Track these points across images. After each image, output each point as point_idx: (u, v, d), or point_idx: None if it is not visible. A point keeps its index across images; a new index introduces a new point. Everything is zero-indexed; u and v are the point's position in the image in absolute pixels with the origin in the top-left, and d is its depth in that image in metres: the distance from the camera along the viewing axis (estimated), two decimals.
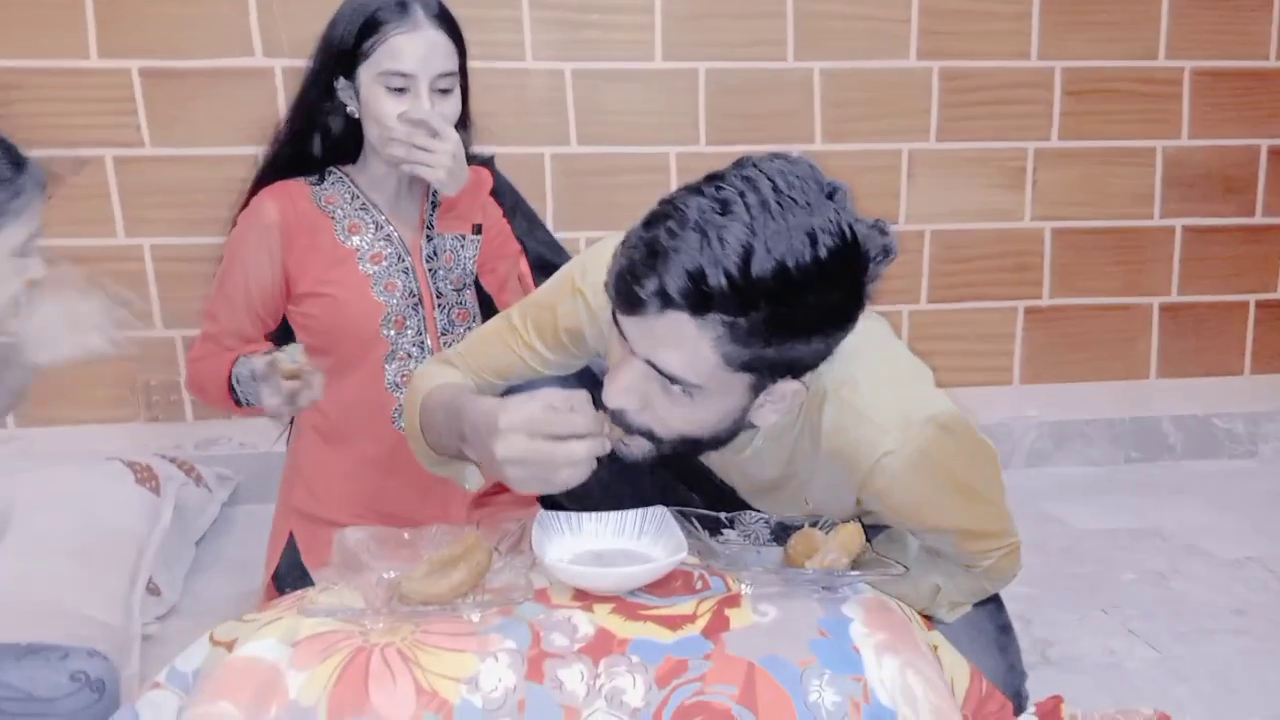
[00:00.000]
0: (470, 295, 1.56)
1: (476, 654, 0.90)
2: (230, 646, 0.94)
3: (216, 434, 2.23)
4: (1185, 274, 2.56)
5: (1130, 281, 2.54)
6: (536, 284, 1.48)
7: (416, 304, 1.51)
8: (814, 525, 1.10)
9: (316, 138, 1.49)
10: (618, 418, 0.99)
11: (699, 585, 1.04)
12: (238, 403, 1.44)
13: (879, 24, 2.33)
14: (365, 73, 1.40)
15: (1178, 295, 2.57)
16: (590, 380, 1.17)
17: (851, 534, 1.06)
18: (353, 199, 1.51)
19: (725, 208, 0.88)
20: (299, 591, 1.06)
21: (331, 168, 1.52)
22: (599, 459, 0.99)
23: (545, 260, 1.56)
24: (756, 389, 0.98)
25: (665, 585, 1.03)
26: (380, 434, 1.51)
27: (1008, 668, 1.23)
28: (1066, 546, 1.95)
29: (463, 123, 1.51)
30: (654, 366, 0.94)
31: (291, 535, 1.52)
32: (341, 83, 1.44)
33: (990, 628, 1.25)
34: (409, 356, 1.51)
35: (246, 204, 1.49)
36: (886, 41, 2.34)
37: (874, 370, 1.06)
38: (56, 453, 2.06)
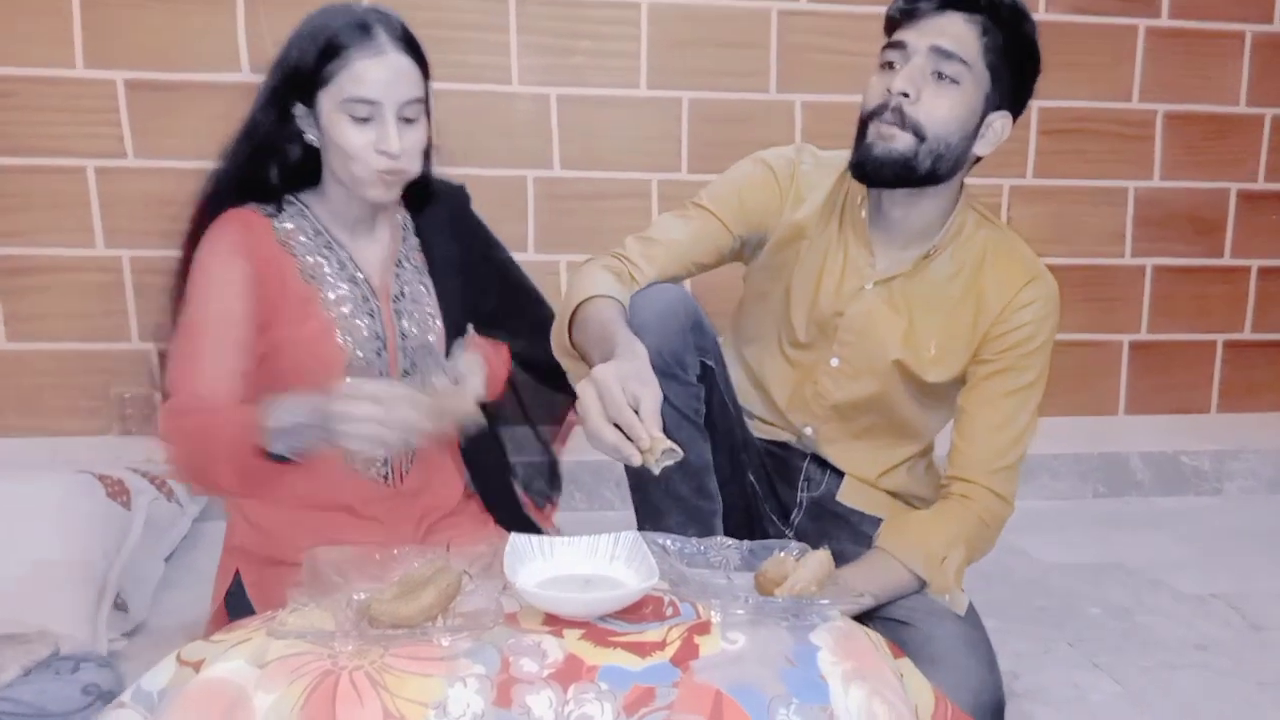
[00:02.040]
0: (436, 334, 1.45)
1: (445, 678, 0.90)
2: (197, 667, 0.94)
3: None
4: (1155, 312, 2.61)
5: (1101, 318, 2.59)
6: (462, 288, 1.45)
7: (380, 348, 1.39)
8: (785, 552, 1.12)
9: (273, 168, 1.36)
10: (894, 113, 1.28)
11: (669, 611, 1.04)
12: (271, 456, 1.17)
13: (861, 59, 2.35)
14: (326, 99, 1.28)
15: (1147, 333, 2.61)
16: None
17: (821, 562, 1.08)
18: (315, 235, 1.38)
19: None
20: (268, 613, 1.05)
21: (289, 196, 1.39)
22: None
23: (510, 276, 1.55)
24: (989, 103, 1.29)
25: (636, 611, 1.03)
26: (333, 476, 1.39)
27: (995, 684, 1.29)
28: (1033, 579, 1.97)
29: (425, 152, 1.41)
30: (936, 49, 1.25)
31: (238, 572, 1.40)
32: (300, 109, 1.32)
33: (984, 647, 1.33)
34: (417, 376, 1.38)
35: (195, 226, 1.37)
36: (868, 76, 2.37)
37: (1024, 243, 1.42)
38: (27, 463, 2.05)
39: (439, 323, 1.45)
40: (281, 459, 1.17)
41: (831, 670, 0.98)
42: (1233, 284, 2.64)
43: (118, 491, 1.75)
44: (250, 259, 1.31)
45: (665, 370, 1.25)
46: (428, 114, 1.35)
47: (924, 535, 1.33)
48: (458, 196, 1.53)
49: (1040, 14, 2.40)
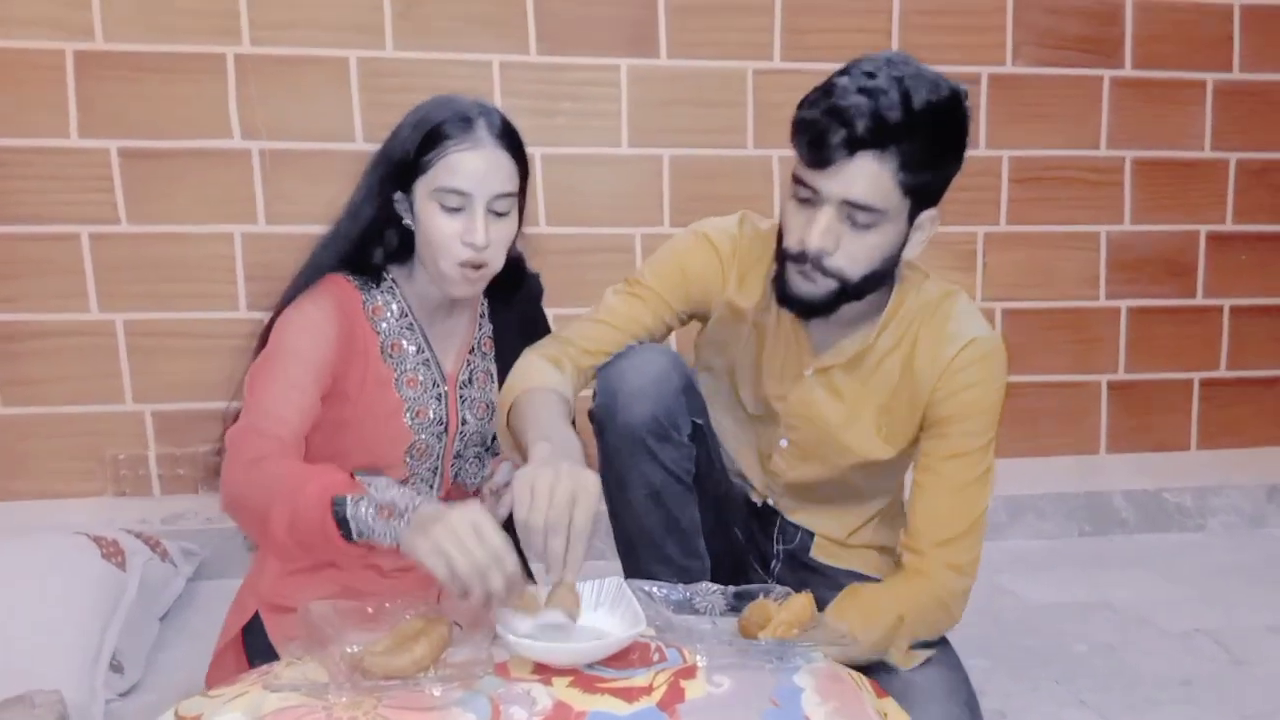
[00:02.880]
0: (490, 423, 1.47)
1: None
2: None
3: (183, 509, 2.24)
4: (1131, 353, 2.66)
5: (1079, 360, 2.63)
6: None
7: (442, 432, 1.42)
8: (767, 596, 1.15)
9: (377, 249, 1.38)
10: (814, 260, 1.23)
11: (655, 657, 1.07)
12: (346, 536, 1.08)
13: None
14: (421, 187, 1.32)
15: (1125, 373, 2.66)
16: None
17: (803, 605, 1.11)
18: (400, 315, 1.40)
19: (871, 75, 1.18)
20: (264, 666, 1.08)
21: (385, 271, 1.41)
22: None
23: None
24: (912, 216, 1.25)
25: (622, 657, 1.06)
26: (372, 555, 1.36)
27: None
28: (1021, 618, 1.99)
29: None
30: (848, 202, 1.19)
31: (257, 613, 1.40)
32: (399, 196, 1.35)
33: (964, 692, 1.33)
34: (419, 478, 1.43)
35: (292, 290, 1.37)
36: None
37: (965, 299, 1.38)
38: (22, 526, 2.06)
39: (495, 413, 1.46)
40: (346, 537, 1.08)
41: (815, 710, 1.00)
42: (1206, 323, 2.69)
43: (113, 552, 1.77)
44: (342, 323, 1.33)
45: (662, 434, 1.31)
46: (521, 209, 1.39)
47: (868, 615, 1.28)
48: (535, 287, 1.56)
49: (1008, 67, 2.49)
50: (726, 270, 1.41)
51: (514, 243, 1.42)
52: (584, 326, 1.41)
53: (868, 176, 1.18)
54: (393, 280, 1.41)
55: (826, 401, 1.39)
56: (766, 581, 1.46)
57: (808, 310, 1.30)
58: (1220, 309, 2.69)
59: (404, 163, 1.32)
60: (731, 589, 1.20)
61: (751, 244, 1.41)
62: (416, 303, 1.41)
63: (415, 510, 1.06)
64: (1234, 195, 2.65)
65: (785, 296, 1.29)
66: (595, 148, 2.37)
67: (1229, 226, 2.66)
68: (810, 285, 1.26)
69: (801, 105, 1.23)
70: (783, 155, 2.43)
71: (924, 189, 1.22)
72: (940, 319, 1.34)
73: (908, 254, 1.30)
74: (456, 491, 1.50)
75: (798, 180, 1.24)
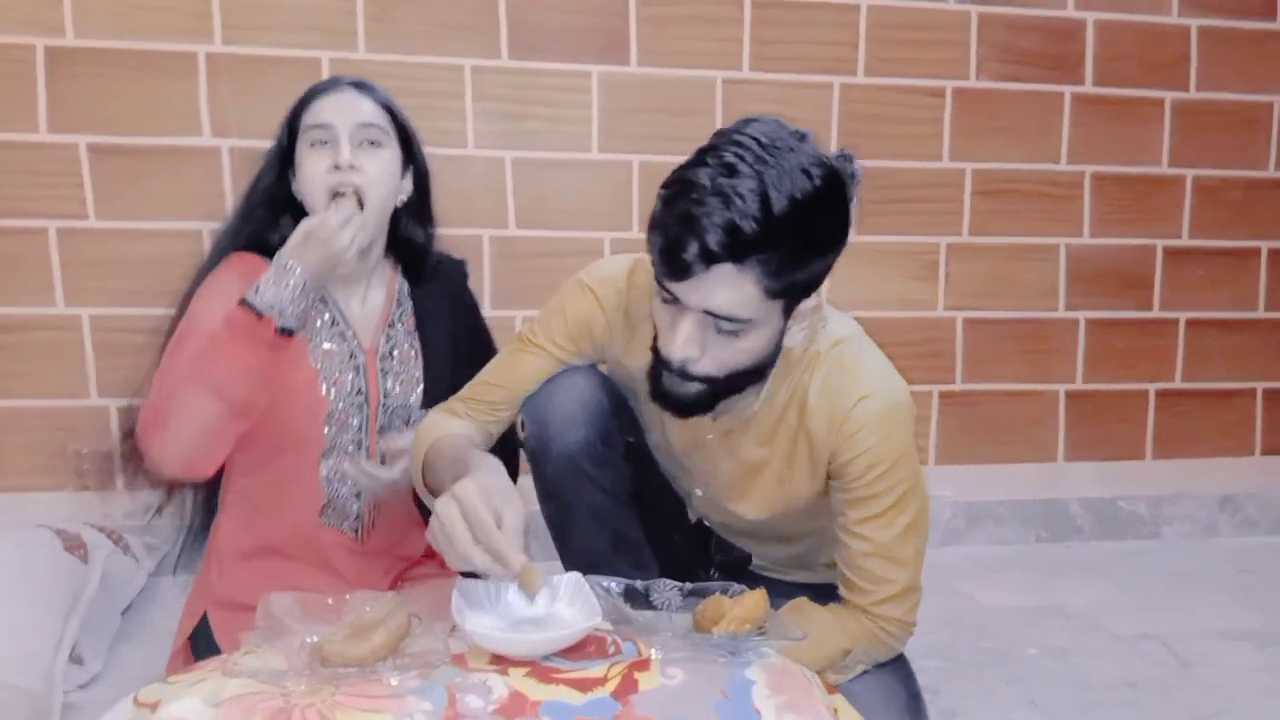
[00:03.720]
0: (417, 405, 1.51)
1: (394, 715, 0.94)
2: (154, 708, 0.97)
3: (146, 504, 2.23)
4: (1089, 363, 2.71)
5: (1037, 369, 2.68)
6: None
7: (362, 403, 1.46)
8: (723, 594, 1.17)
9: (273, 228, 1.45)
10: (680, 369, 1.15)
11: (611, 650, 1.09)
12: (258, 315, 1.28)
13: (802, 124, 2.44)
14: (300, 146, 1.42)
15: (1082, 383, 2.71)
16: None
17: (756, 601, 1.13)
18: None
19: (731, 170, 1.05)
20: (223, 654, 1.09)
21: None
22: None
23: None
24: (787, 312, 1.15)
25: (579, 650, 1.08)
26: (303, 523, 1.47)
27: None
28: (975, 622, 2.03)
29: (421, 215, 1.56)
30: (710, 314, 1.09)
31: (205, 615, 1.45)
32: (291, 173, 1.44)
33: (903, 693, 1.33)
34: (345, 454, 1.46)
35: (199, 275, 1.47)
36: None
37: (859, 343, 1.29)
38: None
39: (421, 388, 1.51)
40: (286, 333, 1.29)
41: (765, 703, 1.03)
42: (1162, 336, 2.75)
43: (75, 546, 1.77)
44: (246, 285, 1.35)
45: (599, 459, 1.31)
46: (422, 179, 1.51)
47: (816, 642, 1.24)
48: (458, 270, 1.61)
49: (971, 81, 2.54)
50: (611, 326, 1.33)
51: (428, 231, 1.55)
52: (479, 389, 1.37)
53: (727, 288, 1.07)
54: None
55: (732, 462, 1.34)
56: None
57: (682, 411, 1.21)
58: (1176, 322, 2.75)
59: (284, 132, 1.43)
60: (688, 585, 1.22)
61: (641, 297, 1.31)
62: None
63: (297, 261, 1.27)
64: (1190, 210, 2.71)
65: (658, 397, 1.20)
66: (566, 153, 2.39)
67: (1185, 241, 2.73)
68: (681, 388, 1.17)
69: (659, 196, 1.11)
70: None
71: (795, 288, 1.11)
72: (830, 370, 1.24)
73: (789, 343, 1.21)
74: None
75: (658, 280, 1.12)
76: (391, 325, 1.51)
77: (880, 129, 2.52)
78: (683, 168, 1.10)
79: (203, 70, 2.20)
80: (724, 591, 1.18)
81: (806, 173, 1.06)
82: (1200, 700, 1.70)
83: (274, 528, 1.48)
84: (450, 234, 2.30)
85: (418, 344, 1.52)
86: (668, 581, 1.23)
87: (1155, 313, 2.74)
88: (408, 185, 1.50)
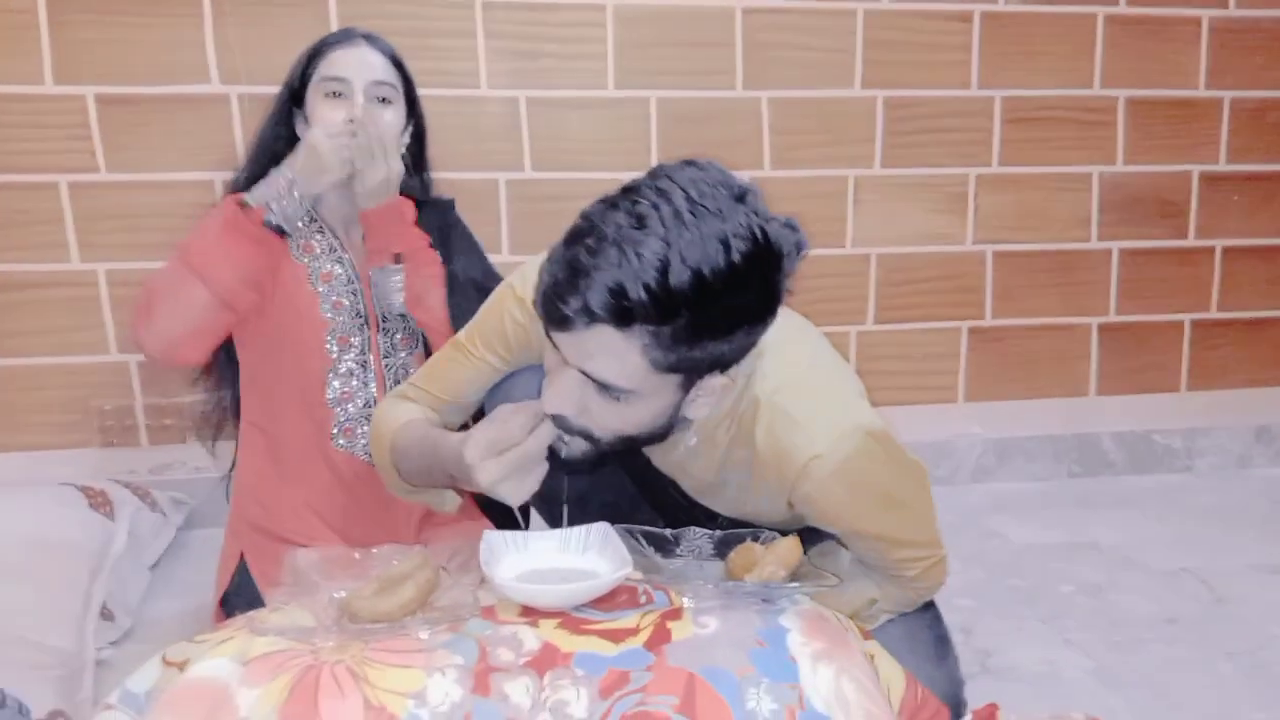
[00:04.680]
0: (414, 321, 1.58)
1: (424, 670, 0.93)
2: (182, 667, 0.96)
3: (171, 458, 2.23)
4: (1122, 295, 2.65)
5: (1069, 302, 2.63)
6: (457, 305, 1.52)
7: (362, 324, 1.54)
8: (754, 540, 1.15)
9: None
10: (558, 421, 1.04)
11: (642, 599, 1.07)
12: (260, 221, 1.40)
13: (825, 54, 2.40)
14: (311, 93, 1.49)
15: (1115, 315, 2.66)
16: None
17: (789, 548, 1.11)
18: (309, 221, 1.55)
19: (641, 222, 0.91)
20: (250, 612, 1.08)
21: None
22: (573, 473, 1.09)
23: (480, 285, 1.60)
24: (686, 386, 1.02)
25: (609, 600, 1.06)
26: (318, 448, 1.54)
27: (945, 676, 1.28)
28: (1007, 560, 2.00)
29: (418, 163, 1.60)
30: (587, 375, 0.98)
31: (242, 557, 1.53)
32: (296, 112, 1.52)
33: (928, 638, 1.30)
34: (350, 374, 1.54)
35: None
36: (832, 71, 2.41)
37: (806, 379, 1.12)
38: (9, 478, 2.05)
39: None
40: (273, 229, 1.41)
41: (800, 651, 1.01)
42: (1198, 265, 2.69)
43: (100, 502, 1.77)
44: None
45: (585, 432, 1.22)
46: (420, 129, 1.57)
47: (846, 587, 1.22)
48: (444, 207, 1.65)
49: (1000, 4, 2.45)
50: (543, 338, 1.11)
51: (424, 178, 1.62)
52: (424, 381, 1.32)
53: (608, 354, 0.95)
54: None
55: (688, 478, 1.25)
56: None
57: (565, 469, 1.10)
58: (1212, 250, 2.69)
59: (296, 81, 1.50)
60: (718, 533, 1.19)
61: None
62: (326, 213, 1.56)
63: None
64: (1228, 135, 2.63)
65: (552, 455, 1.08)
66: (581, 90, 2.33)
67: (1222, 167, 2.65)
68: (562, 442, 1.07)
69: (571, 225, 0.98)
70: (772, 97, 2.40)
71: (692, 365, 0.98)
72: (775, 420, 1.09)
73: (692, 415, 1.07)
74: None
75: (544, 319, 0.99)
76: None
77: (906, 56, 2.44)
78: (601, 201, 0.97)
79: (208, 15, 2.15)
80: (755, 538, 1.16)
81: (725, 243, 0.91)
82: (1238, 635, 1.68)
83: (290, 455, 1.55)
84: (465, 178, 2.28)
85: (382, 275, 1.57)
86: (697, 529, 1.20)
87: (1191, 241, 2.67)
88: (406, 138, 1.57)
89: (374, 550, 1.10)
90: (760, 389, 1.10)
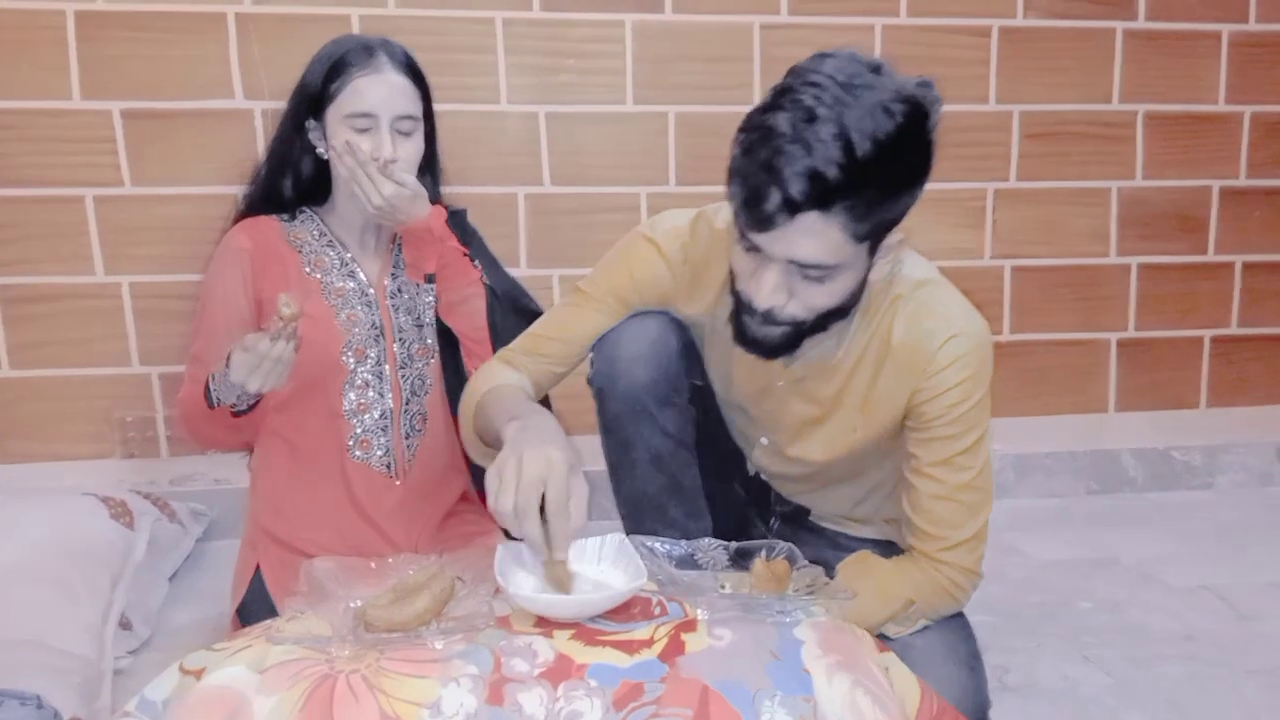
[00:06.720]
0: (430, 332, 1.59)
1: (439, 679, 0.93)
2: (199, 675, 0.96)
3: (191, 470, 2.25)
4: (1141, 310, 2.64)
5: (1088, 318, 2.61)
6: (496, 319, 1.54)
7: (378, 336, 1.54)
8: (770, 552, 1.15)
9: (288, 179, 1.54)
10: (767, 315, 1.13)
11: (657, 611, 1.07)
12: (210, 404, 1.40)
13: None
14: (332, 114, 1.46)
15: (1134, 331, 2.64)
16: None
17: (778, 575, 1.11)
18: (320, 236, 1.56)
19: (810, 114, 1.00)
20: (267, 621, 1.08)
21: (303, 208, 1.58)
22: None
23: (510, 295, 1.61)
24: (872, 250, 1.12)
25: (624, 611, 1.06)
26: (336, 459, 1.55)
27: (975, 688, 1.28)
28: (1027, 576, 1.99)
29: (430, 169, 1.59)
30: (796, 263, 1.07)
31: (258, 567, 1.52)
32: (311, 124, 1.50)
33: (964, 650, 1.32)
34: (366, 385, 1.54)
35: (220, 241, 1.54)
36: None
37: (940, 281, 1.27)
38: (31, 488, 2.08)
39: (431, 313, 1.58)
40: (240, 412, 1.42)
41: (815, 663, 1.00)
42: (1218, 280, 2.67)
43: (121, 513, 1.79)
44: (256, 250, 1.50)
45: (662, 399, 1.30)
46: (431, 135, 1.54)
47: (880, 592, 1.27)
48: (460, 217, 1.64)
49: (1019, 19, 2.45)
50: (677, 279, 1.32)
51: (437, 186, 1.60)
52: (534, 341, 1.37)
53: (813, 237, 1.05)
54: (311, 213, 1.58)
55: (803, 408, 1.32)
56: (767, 536, 1.46)
57: (769, 353, 1.19)
58: (1232, 265, 2.67)
59: (313, 93, 1.47)
60: (734, 545, 1.20)
61: (707, 248, 1.31)
62: (336, 226, 1.57)
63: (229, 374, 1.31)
64: (1248, 149, 2.62)
65: (743, 340, 1.19)
66: (599, 105, 2.35)
67: (1242, 181, 2.63)
68: (767, 331, 1.16)
69: (737, 142, 1.07)
70: None
71: (881, 228, 1.09)
72: (916, 310, 1.23)
73: (874, 278, 1.18)
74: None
75: (740, 230, 1.10)
76: (395, 266, 1.59)
77: (924, 71, 2.41)
78: (759, 111, 1.05)
79: (233, 31, 2.18)
80: (770, 550, 1.16)
81: (887, 110, 1.01)
82: (1259, 653, 1.66)
83: (308, 465, 1.55)
84: (485, 192, 2.30)
85: (415, 289, 1.60)
86: (712, 540, 1.20)
87: (1210, 256, 2.66)
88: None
89: (390, 559, 1.11)
90: (902, 288, 1.24)
